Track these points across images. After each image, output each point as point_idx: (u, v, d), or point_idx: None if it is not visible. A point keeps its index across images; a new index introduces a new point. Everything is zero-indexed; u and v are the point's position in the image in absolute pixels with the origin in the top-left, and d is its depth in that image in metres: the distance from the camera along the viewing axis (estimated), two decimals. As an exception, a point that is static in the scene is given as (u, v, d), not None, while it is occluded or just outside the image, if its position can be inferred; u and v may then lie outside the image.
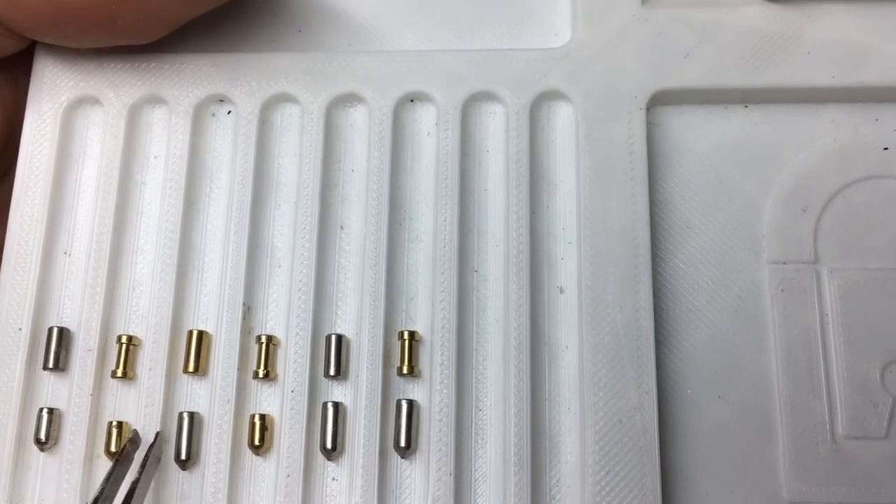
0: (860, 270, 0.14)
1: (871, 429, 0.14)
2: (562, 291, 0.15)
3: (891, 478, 0.14)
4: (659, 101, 0.15)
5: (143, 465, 0.14)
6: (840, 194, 0.15)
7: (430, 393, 0.14)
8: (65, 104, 0.16)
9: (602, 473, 0.13)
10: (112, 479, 0.14)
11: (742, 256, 0.15)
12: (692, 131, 0.15)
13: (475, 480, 0.14)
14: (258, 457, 0.14)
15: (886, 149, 0.15)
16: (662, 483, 0.13)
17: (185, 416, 0.14)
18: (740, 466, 0.14)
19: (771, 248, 0.15)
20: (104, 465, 0.14)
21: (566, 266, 0.15)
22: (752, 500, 0.14)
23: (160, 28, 0.15)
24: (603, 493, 0.13)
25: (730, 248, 0.15)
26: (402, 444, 0.14)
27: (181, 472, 0.14)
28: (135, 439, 0.14)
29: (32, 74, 0.16)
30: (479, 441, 0.14)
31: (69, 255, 0.15)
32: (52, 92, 0.16)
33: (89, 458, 0.14)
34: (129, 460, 0.14)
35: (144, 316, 0.15)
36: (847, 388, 0.14)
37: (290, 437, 0.14)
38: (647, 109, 0.15)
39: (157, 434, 0.14)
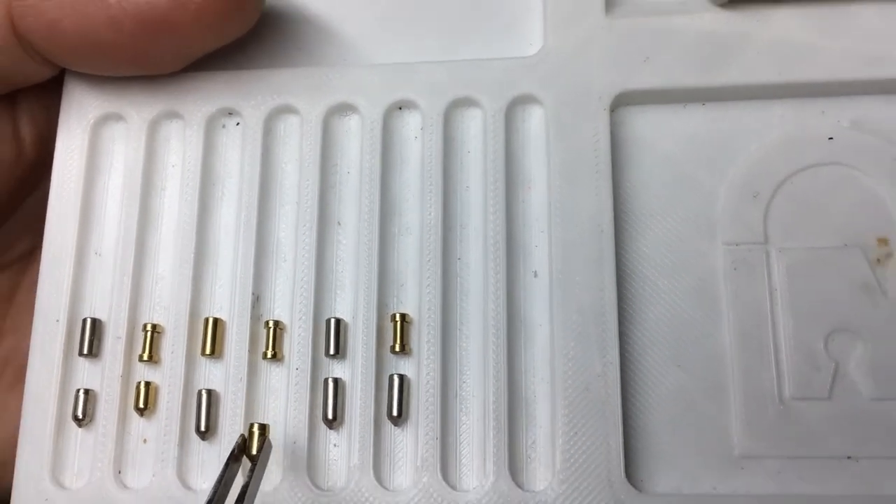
0: (806, 249, 0.16)
1: (815, 391, 0.15)
2: (536, 275, 0.16)
3: (832, 434, 0.15)
4: (622, 102, 0.17)
5: (252, 468, 0.15)
6: (788, 181, 0.16)
7: (419, 368, 0.16)
8: (92, 121, 0.18)
9: (571, 434, 0.15)
10: (224, 482, 0.15)
11: (699, 240, 0.16)
12: (654, 129, 0.17)
13: (460, 444, 0.15)
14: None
15: (831, 138, 0.16)
16: (625, 442, 0.15)
17: (204, 393, 0.16)
18: (696, 427, 0.15)
19: (725, 231, 0.16)
20: (135, 439, 0.16)
21: (539, 253, 0.16)
22: (707, 456, 0.15)
23: (185, 60, 0.17)
24: (572, 451, 0.15)
25: (688, 232, 0.16)
26: (395, 413, 0.16)
27: (201, 442, 0.16)
28: (243, 444, 0.15)
29: (63, 95, 0.18)
30: (463, 409, 0.16)
31: (99, 254, 0.17)
32: (80, 110, 0.18)
33: (121, 433, 0.16)
34: (239, 462, 0.15)
35: (166, 306, 0.17)
36: (794, 355, 0.15)
37: (295, 409, 0.16)
38: (612, 110, 0.17)
39: (265, 433, 0.15)
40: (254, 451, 0.15)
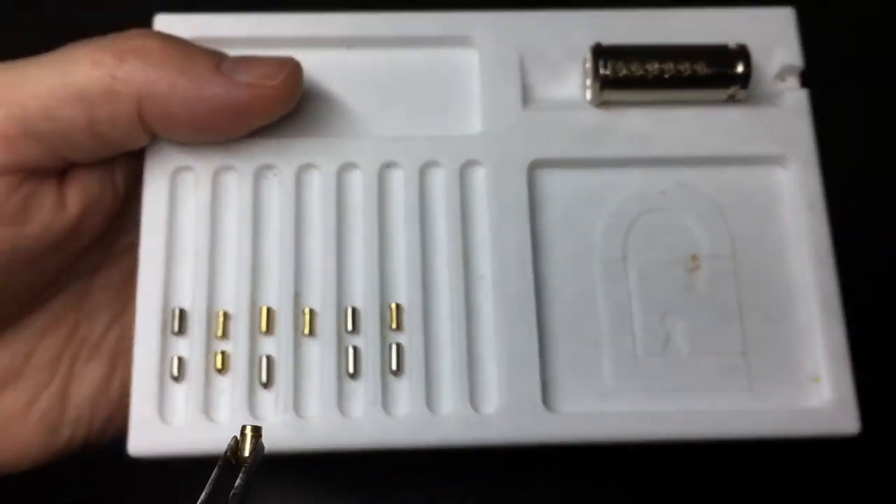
0: (649, 262, 0.25)
1: (656, 350, 0.24)
2: (482, 278, 0.25)
3: (665, 375, 0.24)
4: (536, 166, 0.25)
5: (246, 471, 0.17)
6: (639, 218, 0.25)
7: (410, 338, 0.24)
8: (169, 170, 0.25)
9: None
10: (216, 484, 0.16)
11: (585, 258, 0.25)
12: (557, 184, 0.25)
13: (437, 386, 0.24)
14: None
15: (664, 192, 0.26)
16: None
17: (264, 357, 0.24)
18: (587, 368, 0.24)
19: (600, 251, 0.25)
20: (215, 391, 0.24)
21: (484, 267, 0.25)
22: (592, 390, 0.24)
23: (248, 131, 0.24)
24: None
25: (579, 253, 0.25)
26: (394, 368, 0.24)
27: (263, 391, 0.24)
28: (235, 446, 0.17)
29: (147, 152, 0.25)
30: (436, 364, 0.24)
31: (180, 266, 0.25)
32: (161, 163, 0.25)
33: (205, 387, 0.23)
34: (231, 464, 0.17)
35: (233, 299, 0.24)
36: (642, 328, 0.24)
37: (326, 369, 0.24)
38: (529, 172, 0.25)
39: (258, 435, 0.17)
40: (245, 454, 0.18)
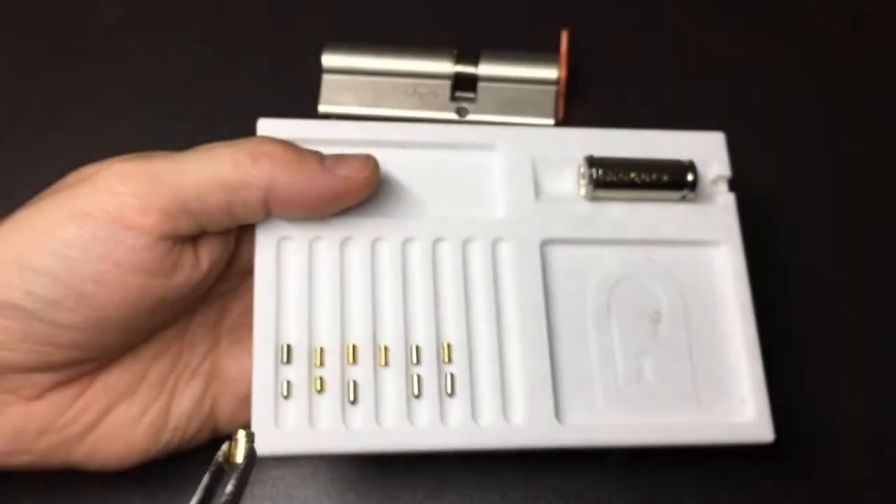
0: (620, 315, 0.35)
1: (632, 380, 0.34)
2: (510, 325, 0.34)
3: (638, 397, 0.34)
4: (547, 242, 0.34)
5: (239, 477, 0.16)
6: (618, 284, 0.35)
7: (459, 368, 0.32)
8: (276, 240, 0.33)
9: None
10: (208, 489, 0.16)
11: (585, 313, 0.34)
12: (563, 257, 0.35)
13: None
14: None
15: (636, 264, 0.35)
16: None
17: (351, 383, 0.32)
18: (580, 391, 0.33)
19: (593, 303, 0.35)
20: (316, 406, 0.31)
21: (511, 327, 0.34)
22: (589, 406, 0.33)
23: (339, 210, 0.33)
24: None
25: (583, 307, 0.34)
26: (448, 392, 0.32)
27: (350, 405, 0.31)
28: (228, 452, 0.18)
29: (257, 226, 0.33)
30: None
31: (286, 312, 0.32)
32: (269, 234, 0.33)
33: (308, 403, 0.31)
34: (223, 470, 0.17)
35: (328, 338, 0.32)
36: (622, 362, 0.34)
37: (398, 391, 0.32)
38: (542, 247, 0.34)
39: (251, 441, 0.18)
40: (239, 459, 0.18)
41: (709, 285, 0.35)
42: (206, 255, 0.31)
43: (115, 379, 0.31)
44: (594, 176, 0.35)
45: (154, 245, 0.28)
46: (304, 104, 0.40)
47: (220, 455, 0.17)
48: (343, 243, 0.33)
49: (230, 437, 0.19)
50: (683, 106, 0.42)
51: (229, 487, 0.16)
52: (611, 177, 0.35)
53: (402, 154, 0.35)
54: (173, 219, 0.29)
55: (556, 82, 0.40)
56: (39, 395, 0.29)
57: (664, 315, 0.35)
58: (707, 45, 0.43)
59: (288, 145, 0.30)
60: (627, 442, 0.33)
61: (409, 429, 0.31)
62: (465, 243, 0.34)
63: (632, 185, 0.35)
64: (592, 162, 0.35)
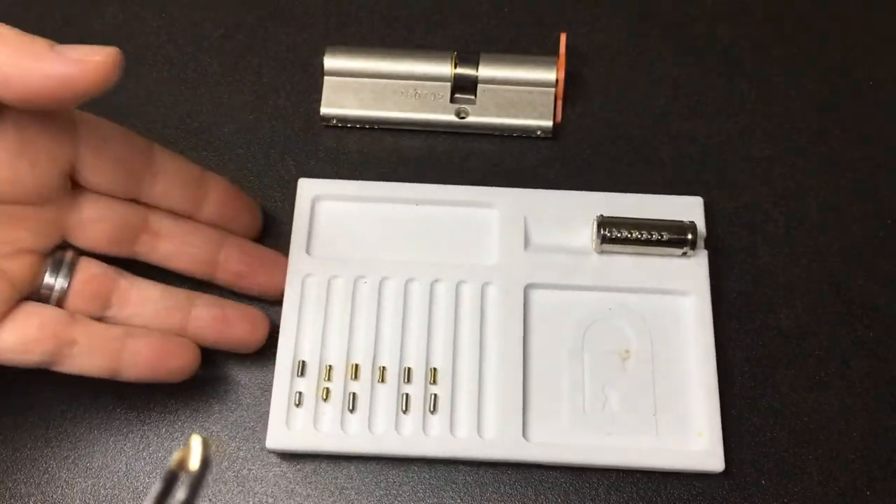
0: (596, 353, 0.40)
1: (597, 408, 0.38)
2: (490, 356, 0.39)
3: (604, 423, 0.38)
4: (530, 287, 0.40)
5: (192, 484, 0.16)
6: (594, 323, 0.40)
7: (442, 389, 0.39)
8: (301, 276, 0.40)
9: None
10: (164, 495, 0.15)
11: (564, 348, 0.40)
12: (547, 300, 0.40)
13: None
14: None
15: (611, 309, 0.41)
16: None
17: (351, 395, 0.38)
18: (557, 409, 0.39)
19: (576, 342, 0.40)
20: (321, 412, 0.38)
21: (491, 357, 0.40)
22: (564, 428, 0.38)
23: None
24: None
25: (563, 342, 0.40)
26: (431, 409, 0.38)
27: (350, 413, 0.38)
28: (182, 458, 0.17)
29: (289, 268, 0.41)
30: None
31: (304, 335, 0.40)
32: (296, 273, 0.40)
33: (316, 410, 0.38)
34: (178, 475, 0.16)
35: (335, 358, 0.39)
36: (589, 392, 0.39)
37: (388, 403, 0.38)
38: (525, 290, 0.40)
39: (207, 447, 0.17)
40: (194, 466, 0.17)
41: (676, 329, 0.40)
42: None
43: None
44: (604, 233, 0.38)
45: None
46: (305, 106, 0.42)
47: (172, 462, 0.17)
48: (356, 281, 0.40)
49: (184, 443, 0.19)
50: (681, 107, 0.43)
51: (181, 495, 0.16)
52: (615, 234, 0.39)
53: (415, 209, 0.42)
54: None
55: (555, 84, 0.41)
56: None
57: (633, 353, 0.39)
58: (707, 46, 0.43)
59: (14, 30, 0.28)
60: (588, 461, 0.38)
61: (396, 437, 0.38)
62: (459, 284, 0.40)
63: (637, 242, 0.40)
64: (603, 221, 0.39)
